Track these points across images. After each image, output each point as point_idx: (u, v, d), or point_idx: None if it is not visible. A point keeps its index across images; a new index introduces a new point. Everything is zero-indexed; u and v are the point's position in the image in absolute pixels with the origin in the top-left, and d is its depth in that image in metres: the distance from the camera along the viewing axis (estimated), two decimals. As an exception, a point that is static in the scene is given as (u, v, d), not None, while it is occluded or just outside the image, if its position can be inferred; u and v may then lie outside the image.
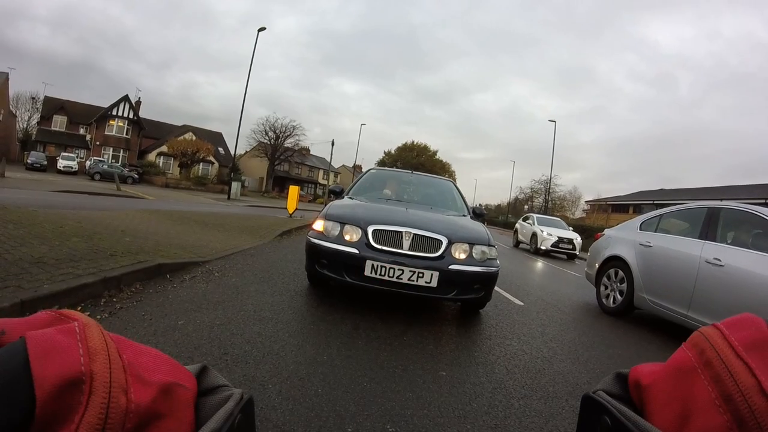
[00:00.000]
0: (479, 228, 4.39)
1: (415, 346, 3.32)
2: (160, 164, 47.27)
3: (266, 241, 7.90)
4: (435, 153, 74.80)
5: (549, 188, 48.44)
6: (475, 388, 2.73)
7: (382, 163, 72.23)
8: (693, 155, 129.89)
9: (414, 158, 70.25)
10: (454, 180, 62.40)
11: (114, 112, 47.78)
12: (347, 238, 3.88)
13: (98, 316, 3.06)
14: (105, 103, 48.93)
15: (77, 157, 42.41)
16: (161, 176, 42.31)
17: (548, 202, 47.95)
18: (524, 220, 19.55)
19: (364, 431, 2.05)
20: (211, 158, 49.11)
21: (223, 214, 13.09)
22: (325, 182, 62.79)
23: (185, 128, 51.66)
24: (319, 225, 4.08)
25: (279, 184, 56.03)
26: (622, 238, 6.28)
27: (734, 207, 5.13)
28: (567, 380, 3.11)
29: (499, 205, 62.55)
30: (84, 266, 3.79)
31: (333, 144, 50.36)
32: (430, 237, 3.82)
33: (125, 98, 48.11)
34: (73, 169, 38.34)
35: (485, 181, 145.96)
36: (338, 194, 5.46)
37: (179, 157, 45.83)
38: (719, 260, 4.62)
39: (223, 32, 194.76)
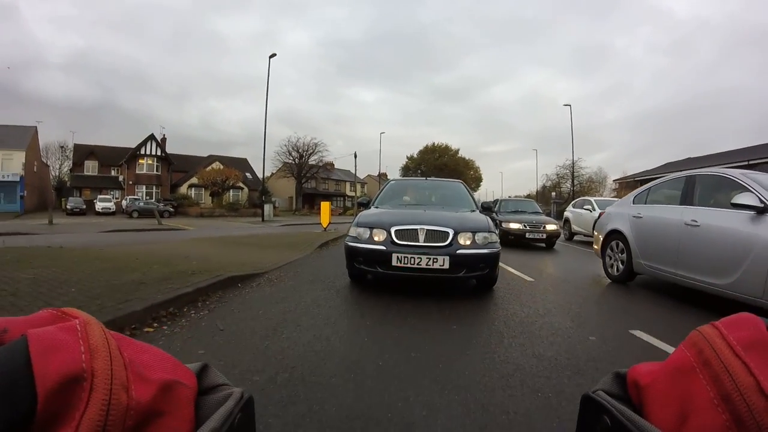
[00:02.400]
0: (481, 218, 5.54)
1: (436, 314, 4.48)
2: (192, 195, 49.91)
3: (308, 253, 9.19)
4: (457, 152, 75.74)
5: (573, 172, 48.63)
6: (477, 334, 3.87)
7: (405, 167, 73.85)
8: (724, 118, 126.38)
9: (436, 159, 71.63)
10: (480, 175, 62.52)
11: (142, 151, 50.62)
12: (376, 238, 5.10)
13: (201, 313, 4.34)
14: (130, 142, 52.06)
15: (113, 198, 45.24)
16: (195, 207, 44.77)
17: (575, 186, 48.13)
18: (578, 206, 17.14)
19: (397, 355, 3.23)
20: (241, 184, 51.39)
21: (263, 235, 14.61)
22: (352, 194, 64.63)
23: (211, 158, 54.21)
24: (353, 231, 5.33)
25: (308, 201, 58.21)
26: (619, 213, 7.10)
27: (707, 172, 5.90)
28: (552, 326, 4.20)
29: (528, 195, 62.71)
30: (176, 283, 5.08)
31: (356, 156, 52.30)
32: (439, 230, 5.01)
33: (151, 137, 50.92)
34: (111, 210, 41.26)
35: (511, 173, 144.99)
36: (365, 205, 6.73)
37: (210, 187, 48.19)
38: (696, 221, 5.33)
39: (235, 55, 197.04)
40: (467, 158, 76.97)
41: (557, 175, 60.75)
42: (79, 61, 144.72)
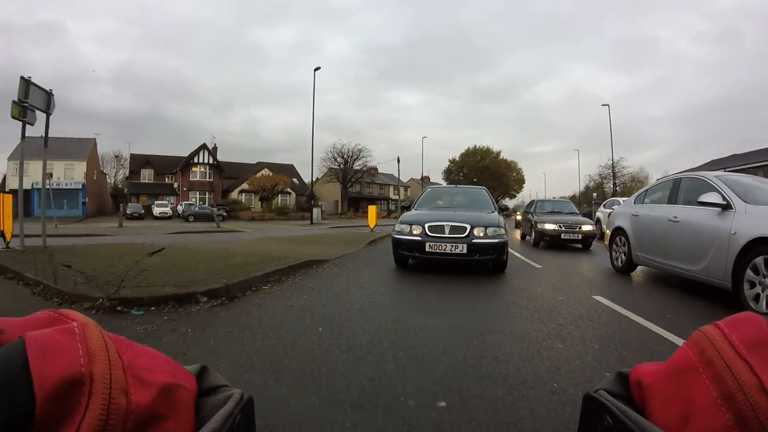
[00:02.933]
0: (493, 217, 7.38)
1: (459, 288, 6.24)
2: (243, 200, 53.40)
3: (360, 248, 11.18)
4: (498, 154, 76.20)
5: (614, 171, 49.20)
6: (488, 301, 5.62)
7: (448, 170, 75.33)
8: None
9: (478, 162, 72.75)
10: (522, 177, 62.84)
11: (195, 160, 54.44)
12: (415, 232, 7.01)
13: (295, 280, 6.34)
14: (179, 151, 56.87)
15: (169, 203, 48.90)
16: (246, 211, 47.84)
17: (617, 185, 48.69)
18: (608, 206, 17.60)
19: (437, 309, 5.07)
20: (289, 189, 54.37)
21: (316, 235, 16.82)
22: (395, 197, 66.64)
23: (260, 165, 57.67)
24: (398, 227, 7.31)
25: (353, 204, 60.92)
26: (623, 212, 8.10)
27: (690, 175, 6.76)
28: (536, 291, 5.95)
29: (574, 195, 62.94)
30: (271, 264, 7.06)
31: (399, 161, 54.82)
32: (460, 225, 6.86)
33: (203, 146, 54.82)
34: (168, 215, 44.98)
35: (555, 174, 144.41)
36: (407, 208, 8.68)
37: (260, 192, 51.34)
38: (676, 217, 6.25)
39: (277, 64, 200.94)
40: (509, 160, 77.47)
41: (599, 175, 61.21)
42: (125, 76, 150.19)
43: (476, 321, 4.30)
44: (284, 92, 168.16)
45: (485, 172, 70.52)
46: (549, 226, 12.86)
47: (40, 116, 9.63)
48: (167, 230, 22.41)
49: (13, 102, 9.00)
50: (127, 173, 63.33)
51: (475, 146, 76.53)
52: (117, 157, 72.71)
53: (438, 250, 6.78)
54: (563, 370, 2.98)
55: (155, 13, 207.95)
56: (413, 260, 7.60)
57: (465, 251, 6.74)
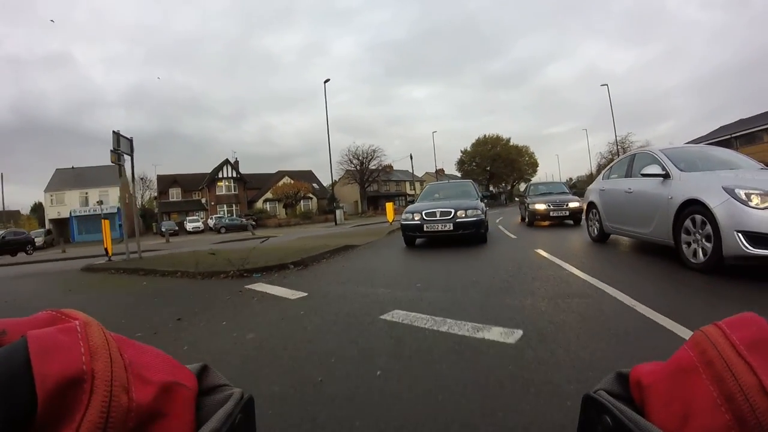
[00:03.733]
0: (473, 202, 10.33)
1: (452, 254, 9.16)
2: (268, 209, 56.98)
3: (382, 237, 14.38)
4: (508, 141, 77.77)
5: (617, 149, 50.98)
6: (471, 262, 8.69)
7: (461, 161, 77.74)
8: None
9: (489, 151, 74.65)
10: (536, 160, 64.40)
11: (219, 175, 58.12)
12: (416, 218, 10.09)
13: (340, 257, 9.53)
14: (197, 166, 61.34)
15: (200, 218, 52.52)
16: (272, 219, 51.57)
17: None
18: None
19: (429, 263, 8.25)
20: (310, 194, 57.87)
21: (343, 232, 20.18)
22: (412, 192, 69.52)
23: (280, 174, 61.44)
24: (404, 216, 10.40)
25: (372, 203, 64.15)
26: (594, 188, 9.06)
27: (641, 151, 7.75)
28: (500, 250, 9.06)
29: (591, 174, 64.28)
30: (316, 251, 10.19)
31: (411, 158, 57.95)
32: (446, 210, 9.87)
33: (226, 161, 58.58)
34: (200, 229, 48.76)
35: (570, 154, 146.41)
36: (412, 202, 11.87)
37: (283, 200, 54.89)
38: (630, 189, 7.02)
39: (285, 70, 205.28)
40: (520, 145, 79.14)
41: (610, 152, 63.05)
42: (136, 96, 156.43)
43: (459, 263, 7.48)
44: (295, 97, 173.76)
45: (497, 159, 72.73)
46: (539, 206, 14.67)
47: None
48: (210, 241, 25.02)
49: (111, 150, 12.53)
50: (154, 194, 67.32)
51: (485, 135, 78.18)
52: (142, 179, 76.99)
53: (432, 229, 9.83)
54: (497, 278, 6.08)
55: (160, 31, 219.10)
56: (419, 240, 10.61)
57: (451, 228, 9.74)
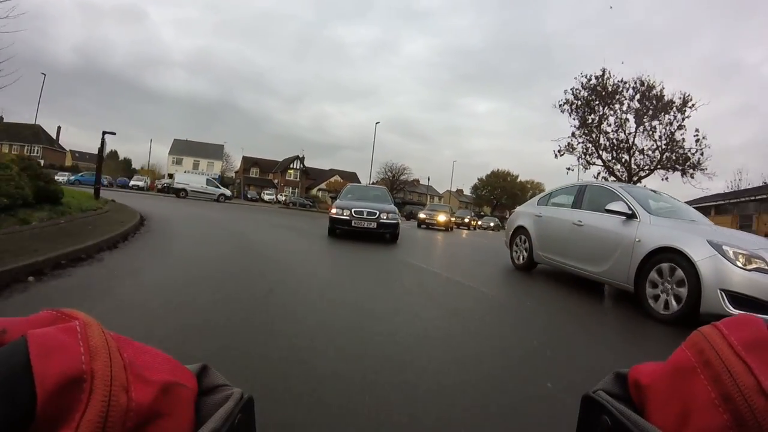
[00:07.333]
0: (392, 207, 9.19)
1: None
2: (320, 196, 57.60)
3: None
4: (516, 177, 73.86)
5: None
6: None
7: (475, 187, 74.30)
8: None
9: (499, 183, 71.40)
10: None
11: (291, 166, 59.93)
12: (344, 214, 8.86)
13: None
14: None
15: (273, 193, 54.10)
16: (323, 204, 52.21)
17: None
18: None
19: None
20: (352, 192, 58.43)
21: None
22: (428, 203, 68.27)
23: (332, 171, 62.92)
24: (333, 210, 9.08)
25: (399, 208, 63.08)
26: (525, 212, 6.80)
27: (596, 184, 5.99)
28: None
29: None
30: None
31: (429, 180, 58.22)
32: (373, 211, 8.70)
33: (296, 156, 60.27)
34: (274, 200, 50.24)
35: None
36: (335, 198, 10.64)
37: (333, 192, 55.35)
38: (581, 222, 5.29)
39: (353, 62, 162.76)
40: (525, 181, 73.92)
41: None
42: (201, 62, 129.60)
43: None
44: (357, 90, 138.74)
45: (502, 192, 69.91)
46: (421, 215, 20.07)
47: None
48: (293, 213, 24.56)
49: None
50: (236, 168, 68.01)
51: (498, 169, 74.56)
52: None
53: (360, 226, 8.64)
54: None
55: (238, 1, 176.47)
56: (339, 231, 9.04)
57: (375, 227, 8.60)
